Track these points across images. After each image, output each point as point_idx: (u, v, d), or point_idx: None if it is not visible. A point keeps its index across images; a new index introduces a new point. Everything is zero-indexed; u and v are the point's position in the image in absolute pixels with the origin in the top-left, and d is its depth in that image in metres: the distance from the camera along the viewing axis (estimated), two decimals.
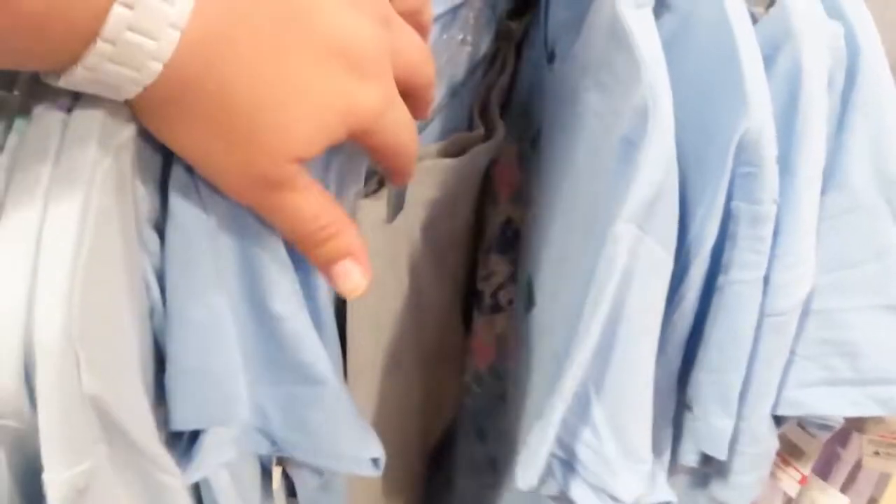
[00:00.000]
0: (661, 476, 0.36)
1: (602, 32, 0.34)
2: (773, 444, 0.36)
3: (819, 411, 0.35)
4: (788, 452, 0.41)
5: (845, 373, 0.33)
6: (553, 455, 0.33)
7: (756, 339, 0.32)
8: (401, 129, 0.28)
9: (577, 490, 0.32)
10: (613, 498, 0.32)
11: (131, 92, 0.22)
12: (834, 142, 0.31)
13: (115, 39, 0.20)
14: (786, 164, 0.30)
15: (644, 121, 0.29)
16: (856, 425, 0.42)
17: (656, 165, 0.29)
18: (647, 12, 0.31)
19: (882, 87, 0.31)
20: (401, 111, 0.28)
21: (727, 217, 0.31)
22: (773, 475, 0.41)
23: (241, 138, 0.24)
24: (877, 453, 0.46)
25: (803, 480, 0.40)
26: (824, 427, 0.37)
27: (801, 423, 0.40)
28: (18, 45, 0.20)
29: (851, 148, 0.31)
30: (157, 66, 0.21)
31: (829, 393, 0.34)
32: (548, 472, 0.34)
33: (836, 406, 0.34)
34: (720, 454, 0.35)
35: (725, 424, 0.34)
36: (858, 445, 0.47)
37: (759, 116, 0.29)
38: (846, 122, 0.31)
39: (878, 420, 0.39)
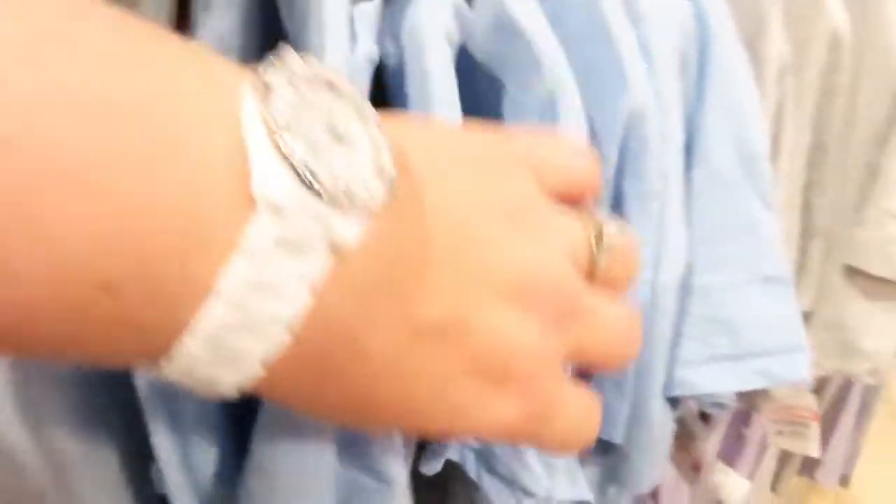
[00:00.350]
0: (578, 471, 0.35)
1: (488, 29, 0.33)
2: (669, 427, 0.37)
3: (706, 389, 0.35)
4: (683, 436, 0.41)
5: (726, 349, 0.34)
6: (466, 446, 0.32)
7: (647, 319, 0.32)
8: (559, 435, 0.24)
9: (487, 480, 0.31)
10: (524, 491, 0.31)
11: (232, 388, 0.19)
12: (694, 120, 0.32)
13: (210, 343, 0.17)
14: None
15: (553, 110, 0.29)
16: (750, 404, 0.42)
17: None
18: (532, 3, 0.31)
19: (734, 66, 0.32)
20: (564, 417, 0.23)
21: (620, 195, 0.32)
22: (672, 460, 0.42)
23: (369, 422, 0.23)
24: (780, 432, 0.47)
25: (697, 466, 0.41)
26: (718, 405, 0.38)
27: (700, 406, 0.40)
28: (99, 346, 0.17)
29: (710, 126, 0.32)
30: (258, 368, 0.18)
31: (714, 370, 0.34)
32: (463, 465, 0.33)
33: (721, 382, 0.35)
34: (616, 437, 0.35)
35: (620, 407, 0.34)
36: (761, 425, 0.48)
37: (641, 94, 0.29)
38: (703, 100, 0.32)
39: (766, 397, 0.40)
